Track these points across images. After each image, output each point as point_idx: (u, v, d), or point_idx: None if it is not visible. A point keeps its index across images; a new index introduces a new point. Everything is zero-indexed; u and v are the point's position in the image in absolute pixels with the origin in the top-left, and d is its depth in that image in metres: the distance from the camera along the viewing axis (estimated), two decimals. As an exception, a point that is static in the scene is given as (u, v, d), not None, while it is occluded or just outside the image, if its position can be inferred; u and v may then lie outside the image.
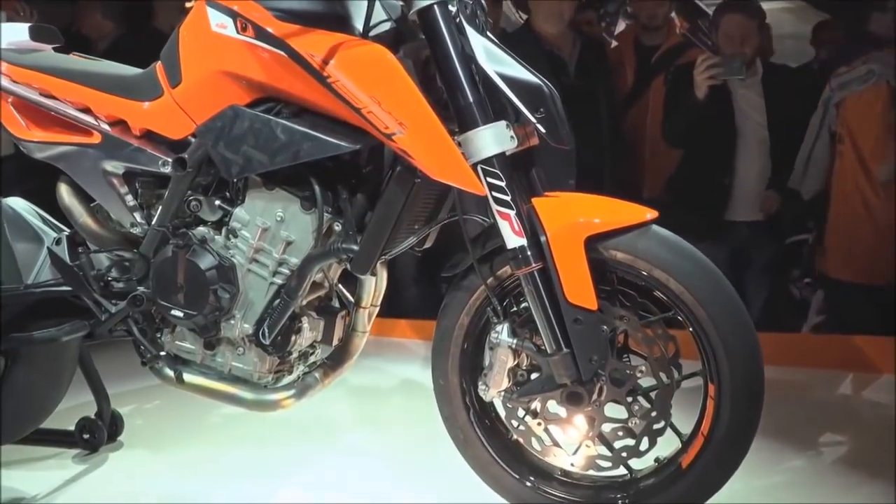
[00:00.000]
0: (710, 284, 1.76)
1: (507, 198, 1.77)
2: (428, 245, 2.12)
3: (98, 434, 2.73)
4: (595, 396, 1.82)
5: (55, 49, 2.30)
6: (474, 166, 1.77)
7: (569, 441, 1.90)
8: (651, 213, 1.81)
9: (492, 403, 2.02)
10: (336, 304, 2.19)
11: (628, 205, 1.84)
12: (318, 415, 2.28)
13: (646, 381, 1.83)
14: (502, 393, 1.90)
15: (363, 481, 2.49)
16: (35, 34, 2.24)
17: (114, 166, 2.10)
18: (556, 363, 1.80)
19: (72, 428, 2.73)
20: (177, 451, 2.75)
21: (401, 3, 1.95)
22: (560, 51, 3.77)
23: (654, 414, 1.83)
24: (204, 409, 2.63)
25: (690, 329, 1.79)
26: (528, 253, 1.77)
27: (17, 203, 2.35)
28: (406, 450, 2.70)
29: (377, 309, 2.19)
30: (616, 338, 1.84)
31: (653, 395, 1.84)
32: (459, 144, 1.77)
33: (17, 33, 2.23)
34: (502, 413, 1.97)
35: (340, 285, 2.19)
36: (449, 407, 2.01)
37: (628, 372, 1.82)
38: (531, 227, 1.78)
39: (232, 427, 2.85)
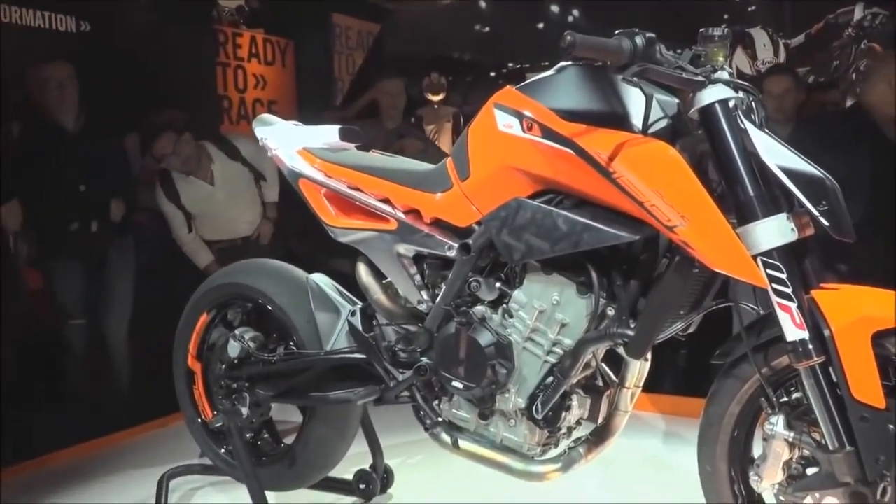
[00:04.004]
0: None
1: (788, 290, 1.63)
2: (691, 330, 2.01)
3: (372, 485, 2.78)
4: (879, 498, 1.61)
5: (358, 147, 2.42)
6: (754, 258, 1.65)
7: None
8: None
9: (760, 494, 1.84)
10: (600, 382, 2.11)
11: None
12: (566, 480, 2.21)
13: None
14: (775, 485, 1.73)
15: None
16: (343, 135, 2.36)
17: (406, 249, 2.16)
18: (838, 461, 1.62)
19: (349, 477, 2.80)
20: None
21: (677, 100, 1.90)
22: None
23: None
24: (459, 467, 2.60)
25: None
26: (810, 346, 1.62)
27: (320, 278, 2.47)
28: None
29: (639, 389, 2.09)
30: (902, 438, 1.62)
31: (945, 502, 1.59)
32: (738, 236, 1.66)
33: (329, 134, 2.37)
34: (774, 505, 1.79)
35: (603, 363, 2.11)
36: (716, 495, 1.86)
37: (918, 475, 1.60)
38: (813, 319, 1.63)
39: (485, 484, 2.78)
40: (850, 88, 5.19)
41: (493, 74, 5.41)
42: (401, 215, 2.16)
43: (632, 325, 1.83)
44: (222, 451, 2.62)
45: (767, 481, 1.73)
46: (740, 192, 1.67)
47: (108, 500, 3.00)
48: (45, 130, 3.71)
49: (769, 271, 1.64)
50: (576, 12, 5.37)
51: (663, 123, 1.83)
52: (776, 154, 1.68)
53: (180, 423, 2.95)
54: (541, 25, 5.51)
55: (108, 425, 3.71)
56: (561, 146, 1.80)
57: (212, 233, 4.08)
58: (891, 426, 1.59)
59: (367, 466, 2.80)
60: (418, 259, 2.17)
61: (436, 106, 4.85)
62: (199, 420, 2.65)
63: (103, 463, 3.38)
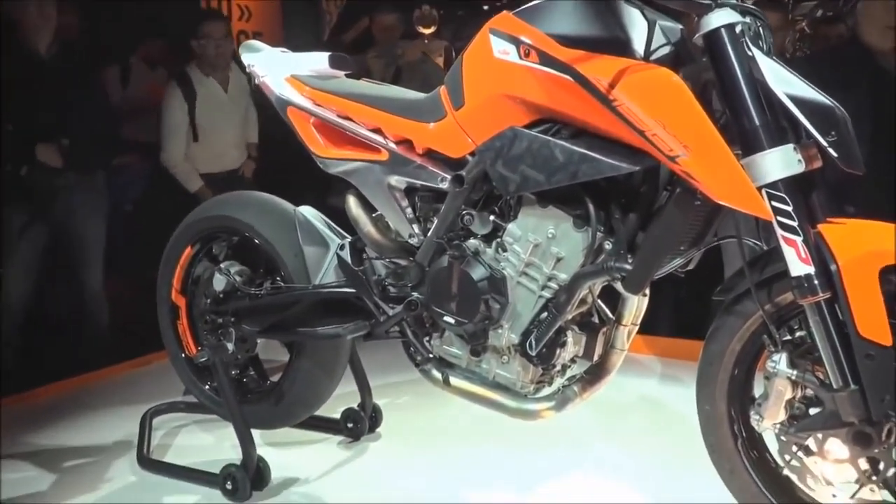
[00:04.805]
0: None
1: (794, 223, 1.57)
2: (691, 267, 1.96)
3: (360, 424, 2.76)
4: (884, 438, 1.58)
5: (347, 75, 2.33)
6: (759, 190, 1.59)
7: (847, 482, 1.66)
8: None
9: (761, 434, 1.81)
10: (596, 319, 2.07)
11: None
12: (560, 423, 2.19)
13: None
14: (777, 425, 1.70)
15: (613, 494, 2.36)
16: (333, 62, 2.28)
17: (397, 181, 2.10)
18: (842, 400, 1.58)
19: (336, 416, 2.78)
20: (429, 448, 2.73)
21: (681, 26, 1.82)
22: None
23: (952, 463, 1.56)
24: (449, 408, 2.59)
25: None
26: (816, 282, 1.57)
27: (308, 211, 2.41)
28: (652, 465, 2.53)
29: (636, 327, 2.06)
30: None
31: (951, 442, 1.57)
32: (743, 167, 1.60)
33: (318, 62, 2.29)
34: (774, 446, 1.76)
35: (600, 300, 2.07)
36: (714, 435, 1.82)
37: (924, 415, 1.56)
38: (819, 254, 1.57)
39: (476, 425, 2.75)
40: (856, 23, 5.11)
41: (486, 8, 5.27)
42: (392, 146, 2.09)
43: (630, 260, 1.78)
44: (206, 387, 2.59)
45: (769, 421, 1.69)
46: (746, 122, 1.60)
47: (90, 437, 2.96)
48: (18, 54, 3.54)
49: (774, 203, 1.58)
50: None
51: (666, 50, 1.75)
52: (784, 82, 1.61)
53: (163, 362, 2.91)
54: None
55: (88, 365, 3.66)
56: (559, 73, 1.72)
57: (204, 161, 4.06)
58: (897, 364, 1.55)
59: (355, 405, 2.78)
60: (410, 191, 2.11)
61: (426, 40, 4.72)
62: (183, 355, 2.61)
63: (84, 401, 3.33)
